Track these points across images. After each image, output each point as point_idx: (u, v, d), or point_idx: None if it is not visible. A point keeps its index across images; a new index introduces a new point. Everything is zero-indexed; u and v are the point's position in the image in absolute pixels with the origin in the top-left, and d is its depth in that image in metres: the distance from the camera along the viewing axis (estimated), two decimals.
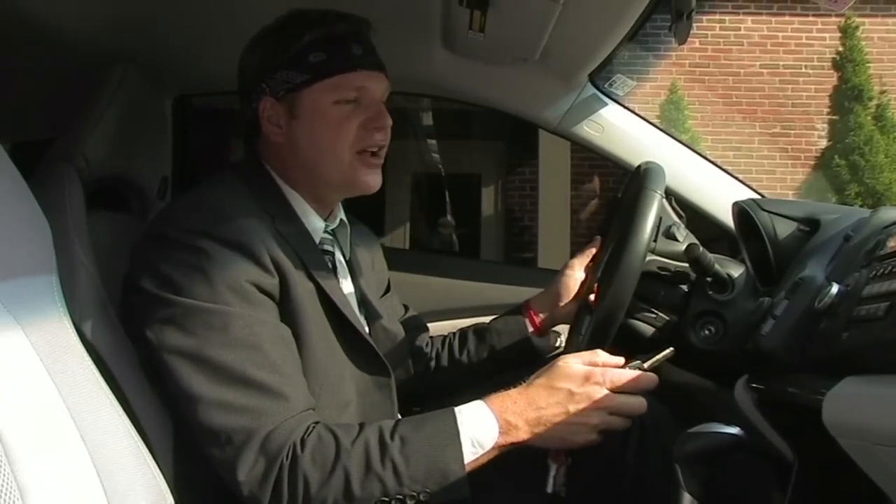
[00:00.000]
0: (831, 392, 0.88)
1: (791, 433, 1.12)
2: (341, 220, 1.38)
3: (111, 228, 1.36)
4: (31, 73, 1.55)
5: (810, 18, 7.12)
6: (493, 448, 1.10)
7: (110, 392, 0.97)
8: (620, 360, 1.17)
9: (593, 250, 1.57)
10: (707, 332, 1.31)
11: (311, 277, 1.22)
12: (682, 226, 1.42)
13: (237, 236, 1.15)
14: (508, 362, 1.55)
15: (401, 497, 1.06)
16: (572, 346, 1.42)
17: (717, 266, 1.32)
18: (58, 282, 0.98)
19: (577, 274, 1.57)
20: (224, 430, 1.07)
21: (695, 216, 1.76)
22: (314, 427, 1.09)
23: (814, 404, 0.91)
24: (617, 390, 1.13)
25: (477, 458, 1.10)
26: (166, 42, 1.43)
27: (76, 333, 0.96)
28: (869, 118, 6.78)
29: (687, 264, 1.35)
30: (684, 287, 1.37)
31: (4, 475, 0.77)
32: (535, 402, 1.12)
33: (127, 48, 1.44)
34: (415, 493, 1.06)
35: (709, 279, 1.34)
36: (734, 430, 1.12)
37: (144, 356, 1.16)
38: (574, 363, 1.14)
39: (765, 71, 7.14)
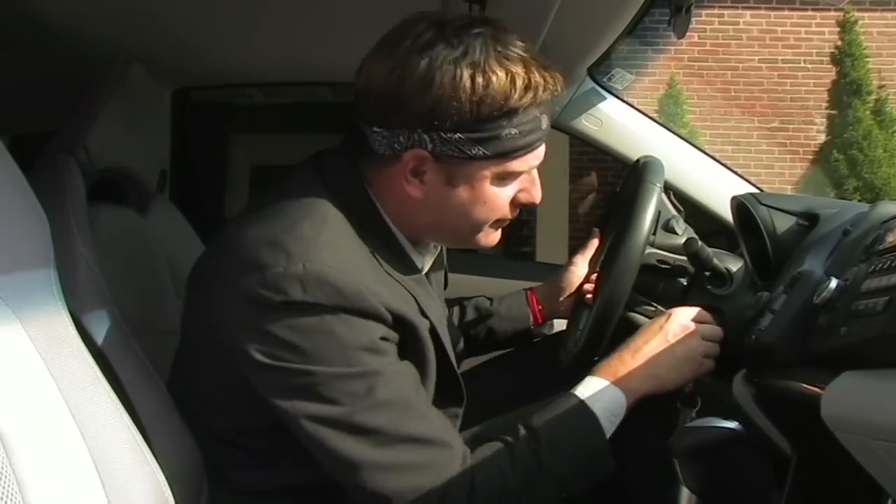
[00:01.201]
0: (830, 387, 0.88)
1: (789, 428, 1.12)
2: (432, 245, 1.26)
3: (111, 221, 1.35)
4: (31, 67, 1.55)
5: (809, 13, 7.12)
6: (624, 414, 1.16)
7: (108, 385, 0.97)
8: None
9: (595, 243, 1.58)
10: None
11: (424, 315, 1.14)
12: (681, 219, 1.42)
13: (359, 296, 1.03)
14: (503, 343, 1.60)
15: (567, 490, 1.11)
16: (570, 339, 1.43)
17: (715, 260, 1.32)
18: (56, 275, 0.98)
19: (580, 269, 1.58)
20: (398, 493, 1.03)
21: (694, 210, 1.76)
22: (471, 467, 1.08)
23: (812, 399, 0.91)
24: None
25: (615, 426, 1.15)
26: (166, 35, 1.43)
27: (74, 326, 0.96)
28: (867, 113, 6.78)
29: (686, 258, 1.35)
30: (683, 281, 1.37)
31: (3, 468, 0.77)
32: (639, 350, 1.19)
33: (127, 41, 1.44)
34: (575, 483, 1.12)
35: (707, 273, 1.34)
36: (732, 424, 1.12)
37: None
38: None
39: (763, 65, 7.14)
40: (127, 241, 1.35)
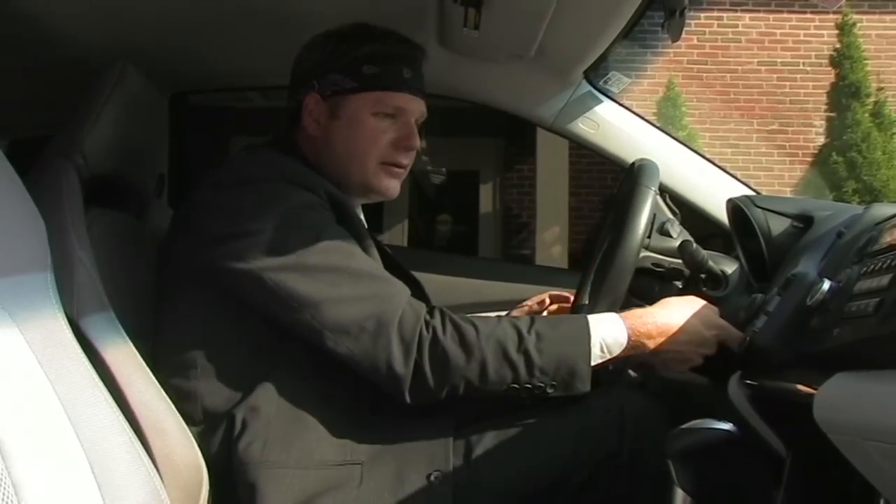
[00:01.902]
0: (822, 388, 0.89)
1: (784, 429, 1.12)
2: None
3: (108, 225, 1.35)
4: (28, 71, 1.55)
5: (808, 15, 7.12)
6: (620, 353, 1.20)
7: (105, 388, 0.98)
8: None
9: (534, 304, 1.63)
10: None
11: (355, 223, 1.30)
12: (677, 222, 1.42)
13: (300, 175, 1.25)
14: None
15: (529, 385, 1.16)
16: None
17: (710, 262, 1.32)
18: (53, 278, 0.98)
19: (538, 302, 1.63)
20: (354, 322, 1.15)
21: (689, 213, 1.76)
22: (446, 313, 1.18)
23: (806, 400, 0.92)
24: None
25: (604, 361, 1.20)
26: (163, 39, 1.43)
27: (71, 330, 0.96)
28: (866, 115, 6.78)
29: (681, 260, 1.35)
30: (678, 283, 1.37)
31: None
32: (658, 315, 1.23)
33: (124, 45, 1.44)
34: (542, 385, 1.17)
35: (702, 275, 1.34)
36: (727, 425, 1.12)
37: (201, 312, 1.23)
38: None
39: (762, 68, 7.14)
40: (124, 246, 1.35)
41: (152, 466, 0.98)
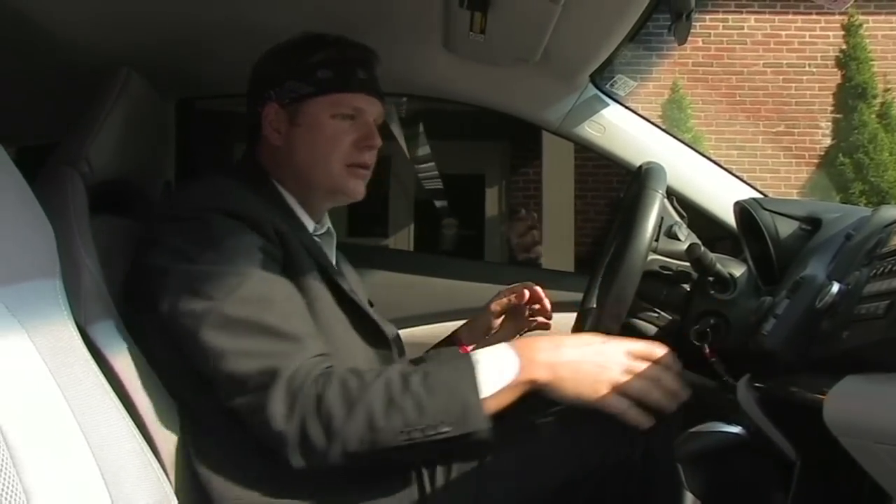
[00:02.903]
0: (832, 391, 0.88)
1: (793, 432, 1.12)
2: (328, 228, 1.46)
3: (115, 232, 1.36)
4: (35, 78, 1.56)
5: (813, 17, 7.10)
6: (514, 383, 1.13)
7: (114, 394, 0.98)
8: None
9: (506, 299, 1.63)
10: (709, 331, 1.31)
11: (311, 255, 1.29)
12: (684, 225, 1.42)
13: (244, 210, 1.23)
14: None
15: (422, 427, 1.09)
16: None
17: (718, 265, 1.32)
18: (62, 285, 0.98)
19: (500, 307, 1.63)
20: (248, 376, 1.11)
21: (697, 216, 1.76)
22: (334, 369, 1.14)
23: (815, 403, 0.91)
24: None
25: (499, 392, 1.12)
26: (169, 46, 1.44)
27: (80, 336, 0.97)
28: (873, 116, 6.76)
29: (689, 264, 1.35)
30: (686, 286, 1.37)
31: (9, 478, 0.78)
32: (561, 345, 1.16)
33: (129, 52, 1.45)
34: (437, 425, 1.10)
35: (710, 279, 1.34)
36: (736, 429, 1.12)
37: (155, 338, 1.19)
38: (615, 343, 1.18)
39: (768, 70, 7.13)
40: (130, 253, 1.35)
41: (162, 473, 0.98)
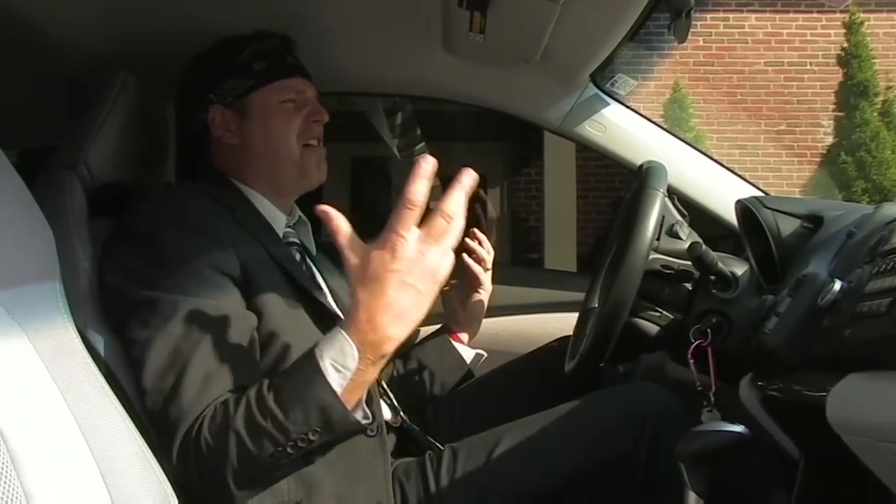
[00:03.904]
0: (835, 389, 0.88)
1: (796, 431, 1.12)
2: (300, 217, 1.48)
3: None
4: (33, 82, 1.56)
5: (814, 15, 7.10)
6: (363, 360, 1.04)
7: (115, 397, 0.98)
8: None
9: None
10: (711, 330, 1.31)
11: (274, 260, 1.28)
12: (685, 224, 1.42)
13: (196, 223, 1.23)
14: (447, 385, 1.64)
15: (291, 444, 1.05)
16: (577, 347, 1.43)
17: (720, 264, 1.32)
18: (62, 288, 0.98)
19: (486, 293, 1.66)
20: (159, 417, 1.11)
21: (698, 214, 1.76)
22: (214, 401, 1.10)
23: (818, 402, 0.91)
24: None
25: (353, 380, 1.05)
26: (167, 48, 1.43)
27: (80, 339, 0.97)
28: (875, 114, 6.75)
29: (690, 263, 1.34)
30: (688, 285, 1.36)
31: (10, 481, 0.78)
32: (383, 296, 1.03)
33: (127, 55, 1.45)
34: (304, 436, 1.05)
35: (712, 277, 1.33)
36: (739, 428, 1.11)
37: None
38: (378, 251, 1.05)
39: (769, 68, 7.12)
40: None
41: (163, 476, 0.98)
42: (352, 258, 1.04)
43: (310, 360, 1.06)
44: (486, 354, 1.68)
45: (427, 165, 1.02)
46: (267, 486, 1.12)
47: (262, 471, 1.09)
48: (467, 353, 1.65)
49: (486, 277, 1.66)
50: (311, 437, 1.05)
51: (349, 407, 1.06)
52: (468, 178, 1.05)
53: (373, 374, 1.08)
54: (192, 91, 1.43)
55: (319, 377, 1.04)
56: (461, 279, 1.64)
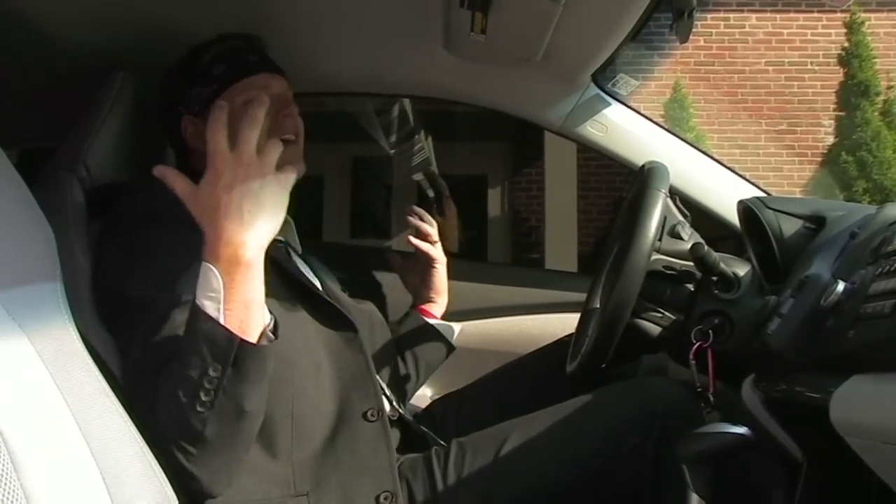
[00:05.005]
0: (838, 391, 0.88)
1: (799, 432, 1.11)
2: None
3: None
4: (33, 82, 1.56)
5: (815, 15, 7.10)
6: (228, 277, 1.03)
7: (115, 398, 0.98)
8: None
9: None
10: (713, 331, 1.30)
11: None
12: (687, 224, 1.41)
13: (185, 218, 1.16)
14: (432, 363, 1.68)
15: (203, 387, 1.01)
16: (578, 348, 1.42)
17: (722, 265, 1.31)
18: (62, 289, 0.98)
19: (442, 265, 1.69)
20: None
21: (700, 215, 1.75)
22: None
23: (821, 403, 0.91)
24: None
25: (228, 300, 1.03)
26: (166, 49, 1.43)
27: (81, 340, 0.96)
28: (876, 114, 6.75)
29: (692, 263, 1.34)
30: (690, 286, 1.36)
31: (10, 482, 0.78)
32: (210, 209, 1.05)
33: (126, 56, 1.45)
34: (206, 373, 1.01)
35: (714, 278, 1.33)
36: (742, 429, 1.11)
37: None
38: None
39: (770, 68, 7.12)
40: None
41: (163, 476, 0.98)
42: (191, 200, 1.08)
43: (192, 306, 1.05)
44: (457, 327, 1.71)
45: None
46: (218, 456, 1.06)
47: (195, 432, 1.02)
48: (441, 327, 1.68)
49: (435, 251, 1.68)
50: (212, 373, 1.01)
51: (240, 332, 1.02)
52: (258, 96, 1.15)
53: (247, 288, 1.05)
54: (164, 104, 1.43)
55: (197, 312, 1.03)
56: (414, 259, 1.69)
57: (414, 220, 1.67)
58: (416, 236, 1.67)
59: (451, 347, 1.69)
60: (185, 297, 1.11)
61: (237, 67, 1.39)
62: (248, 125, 1.08)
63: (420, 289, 1.70)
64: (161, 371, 1.05)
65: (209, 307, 1.03)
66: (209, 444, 1.04)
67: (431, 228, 1.68)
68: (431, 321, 1.67)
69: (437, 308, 1.70)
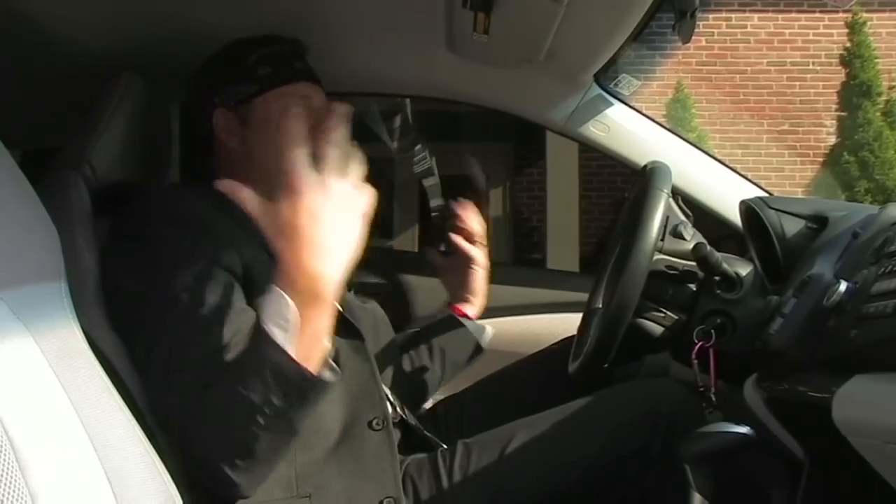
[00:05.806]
0: (840, 390, 0.88)
1: (802, 432, 1.12)
2: None
3: None
4: (38, 82, 1.56)
5: (817, 15, 7.10)
6: (302, 309, 1.01)
7: (120, 398, 0.98)
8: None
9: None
10: (715, 330, 1.31)
11: (271, 257, 1.21)
12: (690, 224, 1.41)
13: (197, 222, 1.19)
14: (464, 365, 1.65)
15: (261, 412, 1.01)
16: (581, 348, 1.42)
17: (724, 265, 1.32)
18: (67, 288, 0.98)
19: (482, 268, 1.65)
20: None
21: (702, 215, 1.76)
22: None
23: (823, 403, 0.91)
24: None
25: (299, 332, 1.01)
26: (172, 48, 1.44)
27: (85, 339, 0.97)
28: (878, 114, 6.75)
29: (695, 263, 1.34)
30: (692, 286, 1.36)
31: (15, 481, 0.78)
32: (291, 236, 1.03)
33: (132, 55, 1.45)
34: (267, 400, 1.01)
35: (717, 278, 1.33)
36: (744, 429, 1.11)
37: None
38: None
39: (772, 68, 7.12)
40: None
41: (168, 476, 0.98)
42: (263, 218, 1.05)
43: (257, 329, 1.04)
44: (489, 329, 1.67)
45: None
46: (263, 467, 1.07)
47: (247, 449, 1.04)
48: (472, 327, 1.64)
49: (477, 252, 1.62)
50: (275, 402, 1.01)
51: (305, 363, 1.02)
52: (342, 107, 1.08)
53: (319, 322, 1.03)
54: (200, 93, 1.42)
55: (265, 339, 1.01)
56: (455, 257, 1.63)
57: (462, 215, 1.62)
58: (459, 233, 1.62)
59: (480, 349, 1.65)
60: (215, 308, 1.11)
61: (282, 72, 1.38)
62: (333, 145, 1.04)
63: (456, 288, 1.66)
64: (212, 384, 1.04)
65: (277, 335, 1.01)
66: (258, 458, 1.05)
67: (479, 228, 1.63)
68: (464, 321, 1.64)
69: (471, 308, 1.66)
